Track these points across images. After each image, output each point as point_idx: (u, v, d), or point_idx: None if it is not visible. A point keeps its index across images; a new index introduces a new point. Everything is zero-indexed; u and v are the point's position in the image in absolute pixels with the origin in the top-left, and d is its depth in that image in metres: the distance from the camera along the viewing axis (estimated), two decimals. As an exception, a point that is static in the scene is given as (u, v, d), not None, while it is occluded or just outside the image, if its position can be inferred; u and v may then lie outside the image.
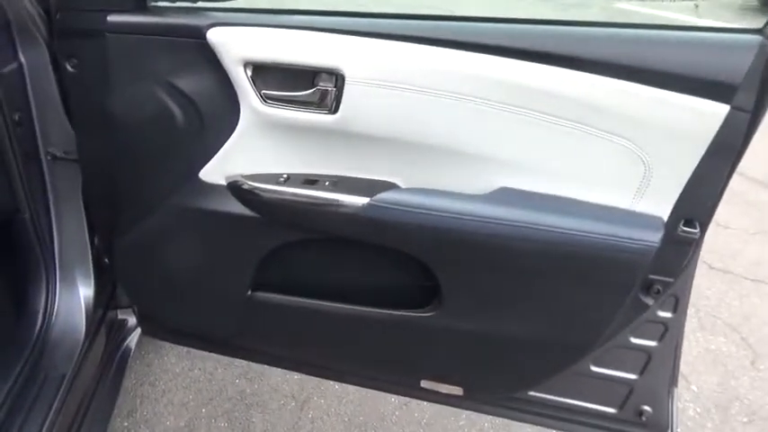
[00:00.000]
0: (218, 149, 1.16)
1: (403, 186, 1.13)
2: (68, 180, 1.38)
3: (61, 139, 1.32)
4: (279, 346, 1.41)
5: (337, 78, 1.05)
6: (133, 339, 1.68)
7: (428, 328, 1.21)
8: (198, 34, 1.08)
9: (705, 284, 2.57)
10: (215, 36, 1.07)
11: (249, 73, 1.08)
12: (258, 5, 1.14)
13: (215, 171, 1.18)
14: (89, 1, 1.11)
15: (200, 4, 1.18)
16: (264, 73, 1.09)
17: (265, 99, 1.10)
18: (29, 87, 1.27)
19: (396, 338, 1.27)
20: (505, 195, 1.07)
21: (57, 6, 1.15)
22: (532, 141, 1.04)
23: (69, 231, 1.44)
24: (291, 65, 1.07)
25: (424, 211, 1.08)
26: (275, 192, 1.14)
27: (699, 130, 0.97)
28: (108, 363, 1.59)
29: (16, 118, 1.26)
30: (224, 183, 1.18)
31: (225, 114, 1.13)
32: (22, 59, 1.25)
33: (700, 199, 1.04)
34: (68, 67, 1.17)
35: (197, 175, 1.18)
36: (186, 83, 1.12)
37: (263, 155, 1.16)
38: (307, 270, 1.27)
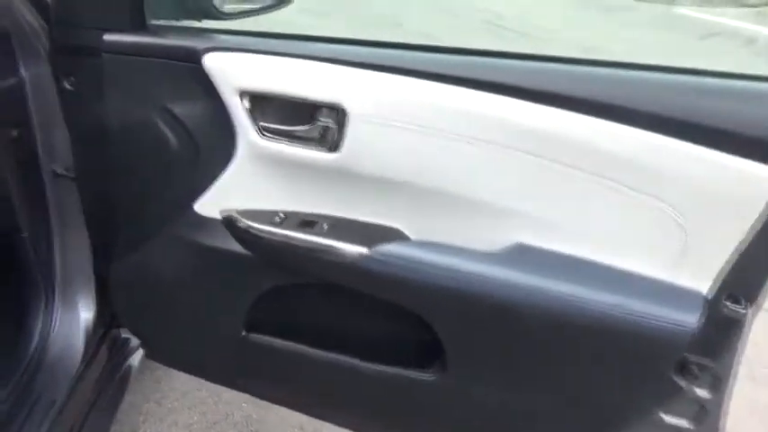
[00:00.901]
0: (214, 181, 1.08)
1: (407, 233, 1.02)
2: (71, 197, 1.32)
3: (64, 156, 1.27)
4: (275, 389, 1.32)
5: (339, 114, 0.95)
6: (136, 358, 1.62)
7: (430, 390, 1.10)
8: (194, 58, 1.00)
9: (756, 329, 2.35)
10: (211, 61, 0.99)
11: (246, 104, 0.99)
12: (263, 26, 1.06)
13: (210, 204, 1.10)
14: (86, 18, 1.05)
15: (202, 24, 1.10)
16: (263, 103, 1.00)
17: (263, 132, 1.01)
18: (30, 102, 1.22)
19: (394, 397, 1.16)
20: (521, 254, 0.95)
21: (54, 22, 1.09)
22: (555, 195, 0.92)
23: (71, 250, 1.38)
24: (290, 97, 0.97)
25: (428, 268, 0.97)
26: (270, 233, 1.05)
27: (747, 196, 0.83)
28: (107, 382, 1.55)
29: (15, 134, 1.22)
30: (219, 217, 1.09)
31: (221, 145, 1.05)
32: (23, 73, 1.20)
33: (747, 272, 0.90)
34: (66, 85, 1.11)
35: (191, 207, 1.10)
36: (182, 109, 1.05)
37: (259, 190, 1.07)
38: (303, 314, 1.18)
